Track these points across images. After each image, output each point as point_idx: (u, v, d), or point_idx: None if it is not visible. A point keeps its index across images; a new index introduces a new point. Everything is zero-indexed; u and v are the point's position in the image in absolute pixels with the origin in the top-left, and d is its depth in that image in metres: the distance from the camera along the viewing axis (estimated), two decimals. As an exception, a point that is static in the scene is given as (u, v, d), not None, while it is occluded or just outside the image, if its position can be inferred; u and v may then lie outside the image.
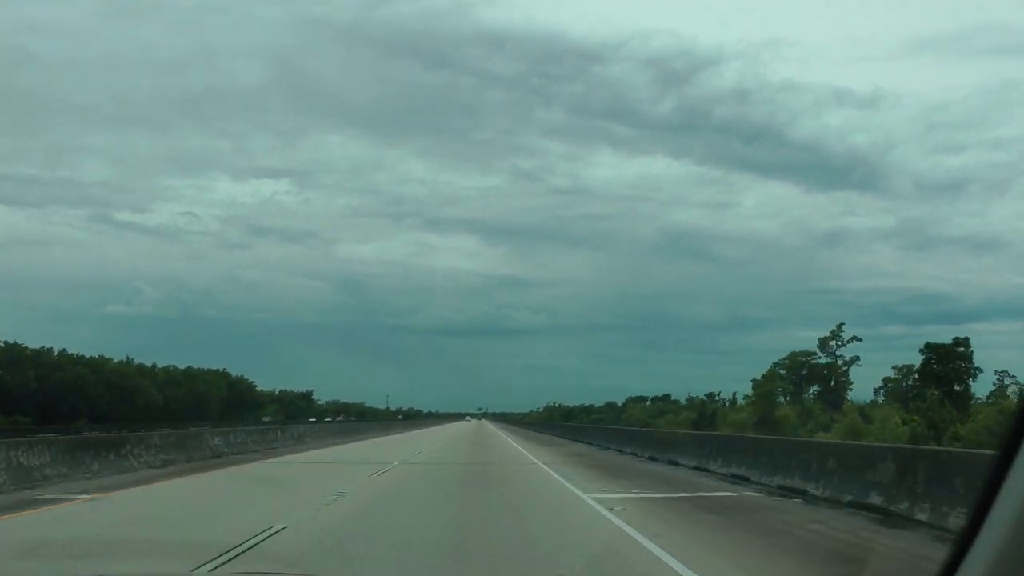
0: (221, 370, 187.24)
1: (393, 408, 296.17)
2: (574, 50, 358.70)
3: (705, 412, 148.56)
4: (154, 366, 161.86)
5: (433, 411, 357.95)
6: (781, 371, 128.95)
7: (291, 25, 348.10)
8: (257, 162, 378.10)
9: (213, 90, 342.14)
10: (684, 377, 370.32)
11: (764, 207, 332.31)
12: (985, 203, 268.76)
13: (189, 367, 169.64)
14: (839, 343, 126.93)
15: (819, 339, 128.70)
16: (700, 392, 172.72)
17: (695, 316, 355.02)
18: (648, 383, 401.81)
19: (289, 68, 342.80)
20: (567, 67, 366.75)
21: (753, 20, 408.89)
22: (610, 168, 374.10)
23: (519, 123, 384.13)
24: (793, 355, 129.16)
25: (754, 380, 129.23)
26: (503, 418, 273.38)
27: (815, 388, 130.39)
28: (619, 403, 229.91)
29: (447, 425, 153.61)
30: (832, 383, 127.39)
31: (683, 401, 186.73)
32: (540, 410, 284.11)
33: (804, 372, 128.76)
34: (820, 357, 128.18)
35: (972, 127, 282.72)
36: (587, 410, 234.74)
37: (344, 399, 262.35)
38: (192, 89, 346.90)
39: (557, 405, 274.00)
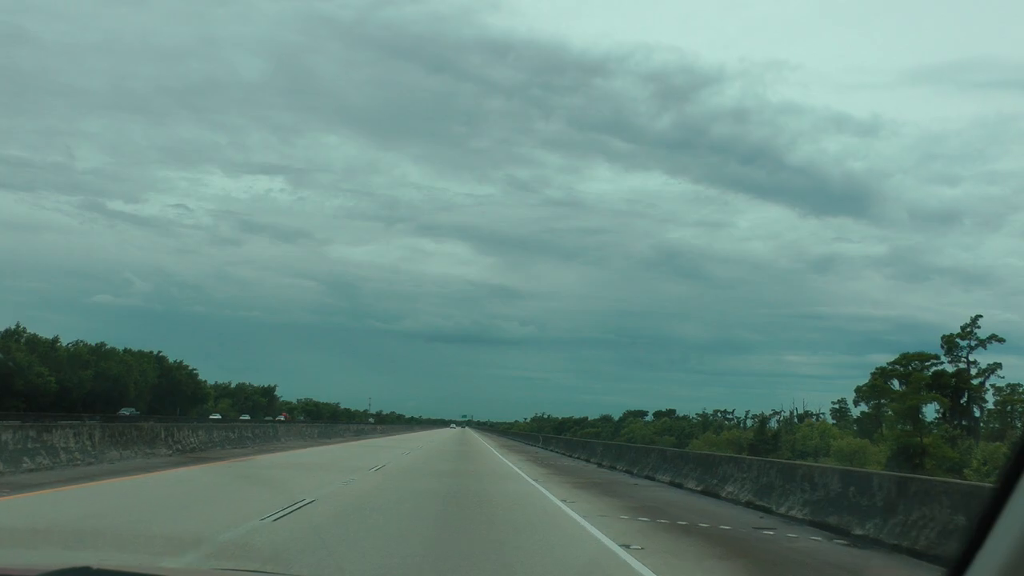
0: (156, 353, 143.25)
1: (374, 411, 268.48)
2: (576, 62, 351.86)
3: (765, 432, 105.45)
4: (56, 340, 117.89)
5: (416, 416, 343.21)
6: (891, 379, 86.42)
7: (293, 21, 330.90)
8: (252, 158, 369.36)
9: (211, 82, 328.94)
10: (672, 396, 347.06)
11: (758, 229, 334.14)
12: (978, 237, 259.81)
13: (102, 344, 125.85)
14: (972, 343, 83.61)
15: (943, 337, 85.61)
16: (691, 410, 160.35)
17: (685, 335, 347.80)
18: (635, 400, 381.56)
19: (289, 64, 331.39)
20: (568, 79, 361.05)
21: (756, 41, 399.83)
22: (606, 182, 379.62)
23: (517, 133, 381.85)
24: (905, 357, 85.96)
25: (859, 388, 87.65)
26: (488, 427, 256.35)
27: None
28: (615, 417, 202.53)
29: (424, 433, 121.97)
30: (964, 399, 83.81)
31: (693, 417, 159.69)
32: (528, 420, 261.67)
33: (923, 383, 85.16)
34: (944, 362, 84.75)
35: (968, 160, 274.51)
36: (579, 423, 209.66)
37: (322, 399, 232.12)
38: (190, 80, 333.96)
39: (547, 416, 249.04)
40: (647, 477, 29.32)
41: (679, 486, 25.64)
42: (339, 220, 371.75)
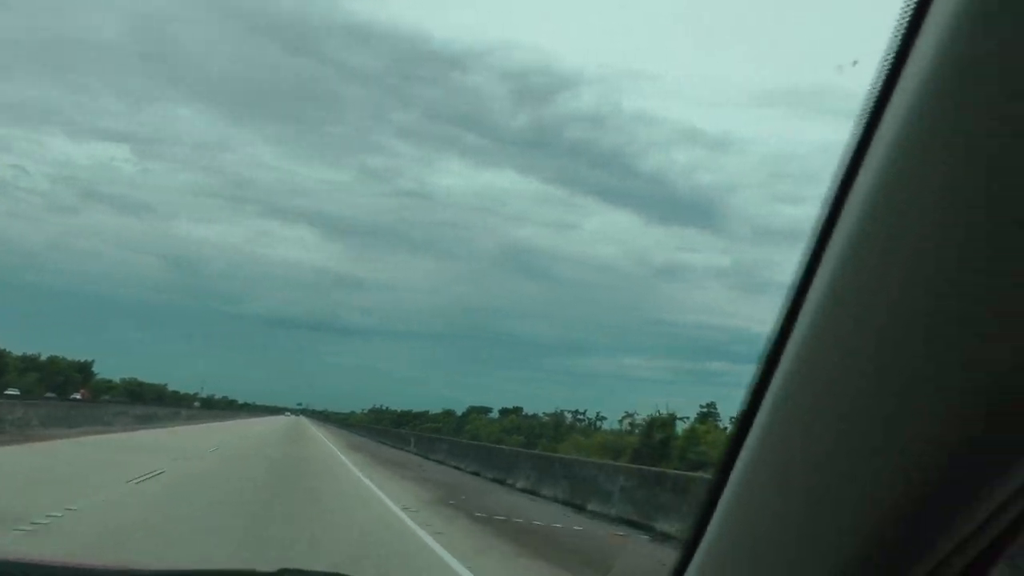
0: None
1: (206, 395, 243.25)
2: (437, 54, 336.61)
3: (652, 437, 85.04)
4: None
5: (250, 402, 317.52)
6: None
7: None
8: (98, 123, 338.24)
9: (62, 38, 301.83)
10: (515, 393, 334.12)
11: (605, 233, 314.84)
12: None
13: None
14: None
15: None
16: (536, 408, 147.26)
17: (529, 333, 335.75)
18: (477, 396, 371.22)
19: (146, 29, 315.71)
20: (428, 70, 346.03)
21: (617, 48, 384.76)
22: (458, 176, 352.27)
23: (374, 121, 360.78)
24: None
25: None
26: (324, 417, 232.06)
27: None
28: (458, 412, 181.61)
29: (248, 422, 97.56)
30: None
31: (542, 416, 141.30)
32: (365, 412, 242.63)
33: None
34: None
35: (812, 182, 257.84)
36: (420, 416, 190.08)
37: (153, 379, 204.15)
38: (39, 33, 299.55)
39: (385, 408, 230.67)
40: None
41: None
42: (185, 196, 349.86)
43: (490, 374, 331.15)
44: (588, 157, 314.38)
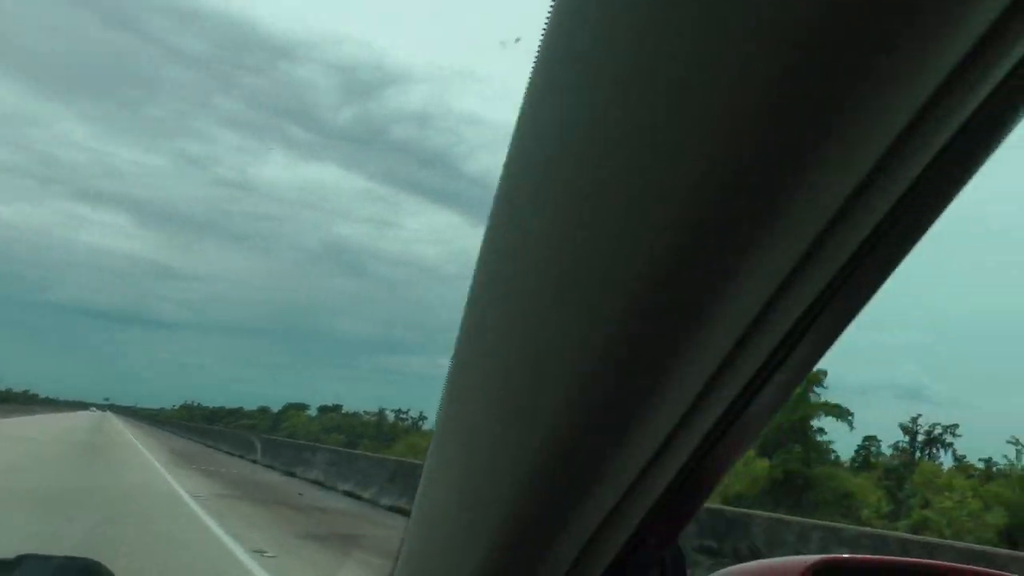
0: None
1: (3, 388, 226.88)
2: (265, 42, 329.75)
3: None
4: None
5: (53, 397, 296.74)
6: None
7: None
8: None
9: None
10: (334, 391, 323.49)
11: (429, 233, 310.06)
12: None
13: None
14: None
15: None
16: (355, 407, 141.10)
17: (348, 331, 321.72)
18: (294, 393, 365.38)
19: None
20: (255, 58, 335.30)
21: (447, 47, 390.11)
22: (280, 168, 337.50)
23: (195, 106, 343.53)
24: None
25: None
26: (132, 412, 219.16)
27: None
28: (275, 409, 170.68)
29: (39, 419, 79.15)
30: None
31: (363, 414, 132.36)
32: (176, 408, 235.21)
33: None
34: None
35: None
36: (234, 413, 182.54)
37: None
38: None
39: (197, 404, 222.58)
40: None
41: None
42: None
43: (308, 371, 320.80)
44: (414, 156, 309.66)
